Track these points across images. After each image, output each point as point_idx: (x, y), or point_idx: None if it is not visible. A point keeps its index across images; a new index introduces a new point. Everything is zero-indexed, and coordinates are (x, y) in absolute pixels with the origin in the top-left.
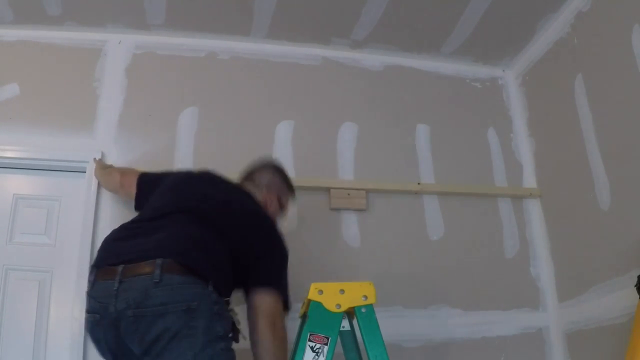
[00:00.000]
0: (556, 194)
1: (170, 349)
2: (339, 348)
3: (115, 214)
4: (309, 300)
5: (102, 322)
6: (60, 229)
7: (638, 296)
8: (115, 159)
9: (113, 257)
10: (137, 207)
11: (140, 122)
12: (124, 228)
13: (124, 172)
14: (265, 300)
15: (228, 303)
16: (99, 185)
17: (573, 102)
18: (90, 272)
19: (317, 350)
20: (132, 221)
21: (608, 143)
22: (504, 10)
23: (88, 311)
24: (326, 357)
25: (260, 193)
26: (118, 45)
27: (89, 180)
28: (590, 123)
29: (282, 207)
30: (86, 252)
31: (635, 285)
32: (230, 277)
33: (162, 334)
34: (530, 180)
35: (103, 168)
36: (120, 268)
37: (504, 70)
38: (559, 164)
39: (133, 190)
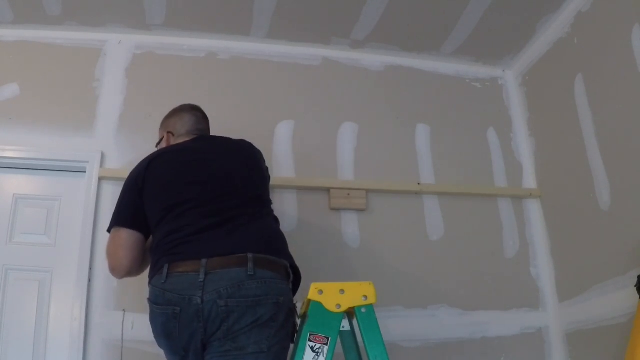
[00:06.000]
0: (556, 194)
1: (250, 335)
2: (339, 348)
3: None
4: (309, 300)
5: (181, 315)
6: (60, 229)
7: (638, 296)
8: (115, 159)
9: (191, 251)
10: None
11: (140, 122)
12: (189, 220)
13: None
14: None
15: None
16: (99, 185)
17: (573, 102)
18: (160, 267)
19: (317, 351)
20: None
21: (608, 143)
22: (504, 10)
23: (162, 304)
24: (326, 357)
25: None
26: (118, 45)
27: (89, 180)
28: (590, 123)
29: None
30: (86, 252)
31: (635, 285)
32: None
33: (251, 323)
34: (530, 180)
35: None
36: (204, 261)
37: (504, 70)
38: (559, 164)
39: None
